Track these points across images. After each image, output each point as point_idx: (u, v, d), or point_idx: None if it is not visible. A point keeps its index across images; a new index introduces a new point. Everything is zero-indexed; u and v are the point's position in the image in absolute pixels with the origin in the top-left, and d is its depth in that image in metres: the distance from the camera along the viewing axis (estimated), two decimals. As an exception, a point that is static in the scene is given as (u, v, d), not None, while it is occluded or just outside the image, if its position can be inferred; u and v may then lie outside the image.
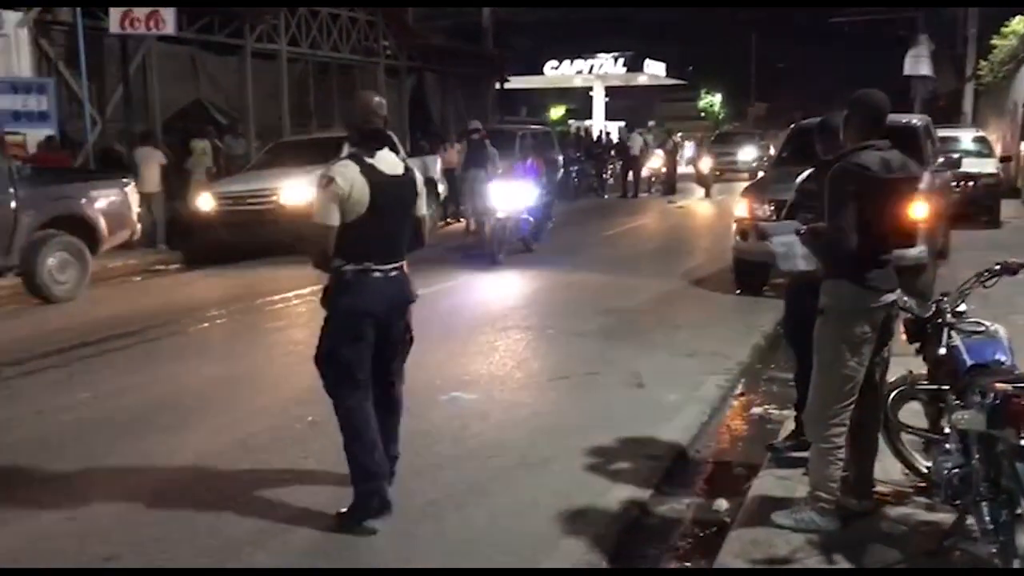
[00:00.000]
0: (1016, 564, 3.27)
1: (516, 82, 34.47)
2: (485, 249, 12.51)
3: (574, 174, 25.20)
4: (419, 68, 26.27)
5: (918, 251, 8.30)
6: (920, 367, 4.19)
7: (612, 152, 28.19)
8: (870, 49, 36.17)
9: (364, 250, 4.18)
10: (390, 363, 4.50)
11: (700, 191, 24.03)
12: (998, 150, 19.09)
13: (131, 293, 11.28)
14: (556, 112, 48.11)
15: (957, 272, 9.04)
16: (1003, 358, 3.72)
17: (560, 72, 39.47)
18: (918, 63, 25.93)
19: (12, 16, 14.96)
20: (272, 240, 13.17)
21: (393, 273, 4.28)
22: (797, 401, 4.94)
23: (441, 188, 17.07)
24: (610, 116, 43.48)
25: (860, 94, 4.01)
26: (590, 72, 39.52)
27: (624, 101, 48.32)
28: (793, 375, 5.16)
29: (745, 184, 13.24)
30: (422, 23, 26.19)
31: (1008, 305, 6.52)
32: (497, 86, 31.31)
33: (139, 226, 11.65)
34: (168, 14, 15.17)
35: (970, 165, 13.95)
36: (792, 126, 11.31)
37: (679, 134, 30.39)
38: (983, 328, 3.87)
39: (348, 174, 4.12)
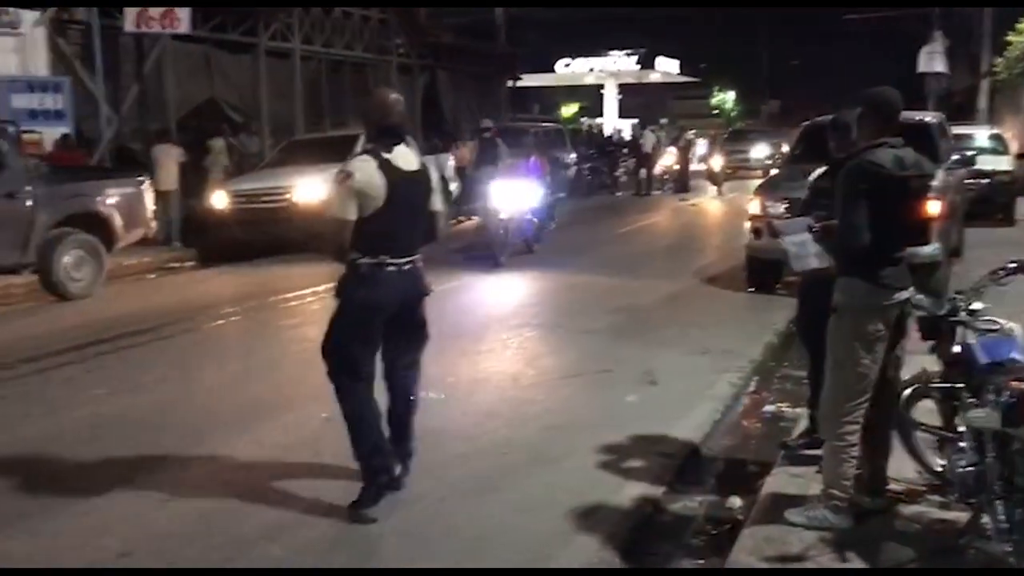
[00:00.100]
0: (1030, 562, 3.27)
1: (528, 80, 34.51)
2: (490, 250, 12.10)
3: (586, 172, 25.18)
4: (431, 66, 26.31)
5: (932, 249, 8.27)
6: (934, 365, 4.19)
7: (624, 150, 28.15)
8: (884, 46, 36.03)
9: (379, 244, 4.25)
10: (404, 356, 4.54)
11: (712, 189, 23.99)
12: (1014, 147, 18.96)
13: (146, 290, 11.35)
14: (568, 110, 48.11)
15: (971, 270, 9.00)
16: (1018, 356, 3.70)
17: (572, 70, 39.50)
18: (932, 60, 25.79)
19: (29, 15, 15.07)
20: (286, 238, 13.23)
21: (407, 267, 4.35)
22: (810, 399, 4.94)
23: (453, 186, 17.09)
24: (622, 114, 43.48)
25: (873, 92, 4.00)
26: (602, 69, 39.50)
27: (636, 98, 48.29)
28: (806, 373, 5.15)
29: (758, 182, 13.20)
30: (434, 21, 26.21)
31: (1023, 303, 6.48)
32: (509, 84, 31.34)
33: (154, 224, 11.72)
34: (183, 13, 15.26)
35: (985, 162, 13.84)
36: (805, 123, 11.26)
37: (692, 131, 30.28)
38: (998, 326, 3.86)
39: (366, 169, 4.20)
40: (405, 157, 4.37)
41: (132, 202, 11.13)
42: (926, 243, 7.65)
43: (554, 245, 13.74)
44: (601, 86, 43.25)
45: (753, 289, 10.07)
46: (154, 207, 11.74)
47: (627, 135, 32.87)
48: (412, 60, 25.25)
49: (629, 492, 4.64)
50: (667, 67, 40.44)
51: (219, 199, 14.05)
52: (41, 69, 15.32)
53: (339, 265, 4.35)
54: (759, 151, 29.88)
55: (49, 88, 14.55)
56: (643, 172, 25.09)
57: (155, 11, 15.12)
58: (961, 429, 3.86)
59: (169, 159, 14.35)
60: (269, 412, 5.96)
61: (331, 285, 4.54)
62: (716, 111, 58.86)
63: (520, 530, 4.22)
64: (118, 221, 10.81)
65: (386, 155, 4.27)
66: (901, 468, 4.37)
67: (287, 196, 13.46)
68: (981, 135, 17.23)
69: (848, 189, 3.81)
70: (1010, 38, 23.90)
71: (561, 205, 21.22)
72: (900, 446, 4.35)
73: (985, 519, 3.60)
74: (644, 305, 9.50)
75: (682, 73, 42.46)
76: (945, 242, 9.24)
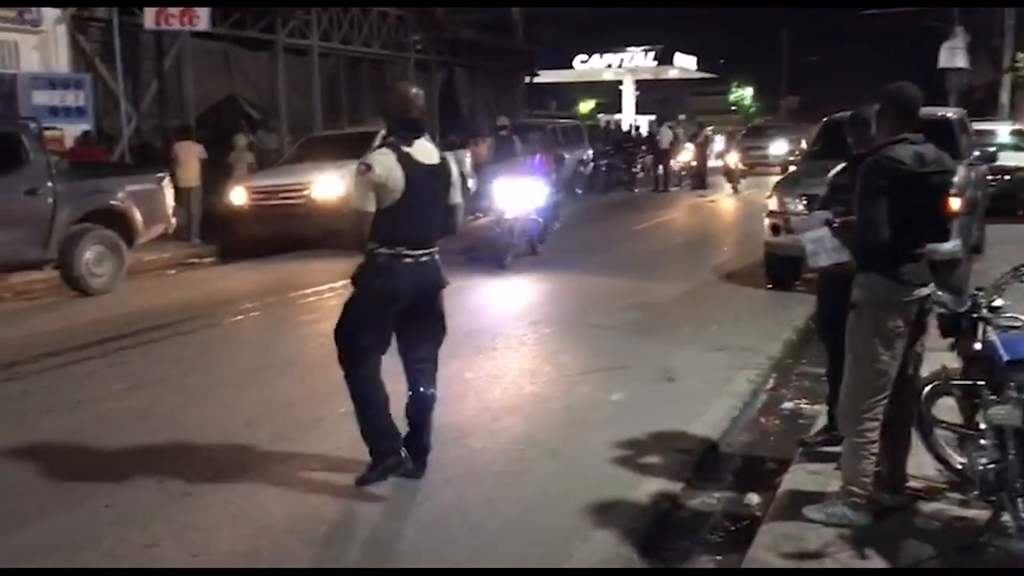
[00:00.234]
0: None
1: (546, 76, 34.47)
2: (494, 251, 11.57)
3: (603, 168, 25.15)
4: (449, 63, 26.33)
5: (952, 245, 8.22)
6: (954, 362, 4.17)
7: (643, 146, 28.09)
8: (905, 41, 35.78)
9: (397, 235, 4.35)
10: (421, 349, 4.59)
11: (729, 186, 23.82)
12: (1035, 143, 18.78)
13: (166, 286, 11.43)
14: (585, 106, 48.06)
15: (992, 267, 8.97)
16: (1040, 353, 3.69)
17: (590, 66, 39.37)
18: (954, 55, 25.59)
19: (50, 13, 15.19)
20: (304, 234, 13.30)
21: (424, 258, 4.45)
22: (829, 396, 4.93)
23: (471, 183, 17.11)
24: (640, 110, 43.37)
25: (892, 87, 3.98)
26: (620, 66, 39.39)
27: (654, 95, 48.18)
28: (825, 370, 5.15)
29: (776, 178, 13.17)
30: (452, 17, 26.23)
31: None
32: (527, 80, 31.33)
33: (174, 220, 11.79)
34: (202, 10, 15.35)
35: (1007, 158, 13.76)
36: (824, 119, 11.21)
37: (710, 127, 30.17)
38: (1019, 323, 3.85)
39: (385, 162, 4.30)
40: (425, 150, 4.46)
41: (152, 198, 11.20)
42: (946, 239, 7.60)
43: (570, 242, 13.73)
44: (619, 82, 43.13)
45: (771, 286, 10.05)
46: (173, 203, 11.80)
47: (645, 131, 32.76)
48: (429, 56, 25.27)
49: (647, 488, 4.65)
50: (685, 63, 40.24)
51: (238, 196, 14.13)
52: (62, 66, 15.43)
53: (359, 256, 4.45)
54: (778, 147, 29.72)
55: (70, 85, 14.65)
56: (660, 168, 25.03)
57: (175, 8, 15.22)
58: (982, 426, 3.85)
59: (191, 156, 14.45)
60: (288, 406, 6.00)
61: (347, 282, 4.62)
62: (734, 107, 58.61)
63: (538, 525, 4.23)
64: (138, 217, 10.87)
65: (406, 148, 4.37)
66: (921, 465, 4.36)
67: (305, 192, 13.52)
68: (1003, 131, 17.10)
69: (868, 185, 3.80)
70: (1032, 33, 23.68)
71: (578, 202, 21.30)
72: (920, 443, 4.34)
73: (1006, 517, 3.59)
74: (661, 302, 9.49)
75: (700, 69, 42.19)
76: (966, 239, 9.19)
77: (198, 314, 9.13)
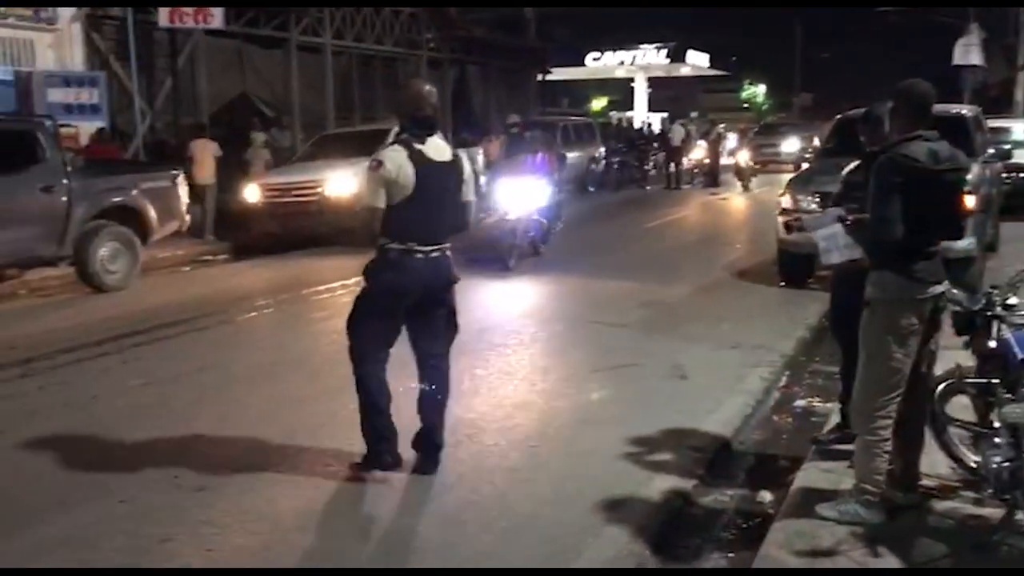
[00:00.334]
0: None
1: (558, 73, 34.46)
2: (496, 252, 11.15)
3: (615, 166, 25.12)
4: (461, 60, 26.35)
5: (966, 243, 8.18)
6: (968, 360, 4.16)
7: (654, 143, 28.04)
8: (919, 38, 35.59)
9: (408, 231, 4.42)
10: (433, 344, 4.64)
11: (739, 185, 23.63)
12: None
13: (180, 283, 11.48)
14: (598, 103, 48.01)
15: (1007, 265, 8.92)
16: (1055, 351, 3.67)
17: (602, 63, 39.32)
18: (968, 52, 25.43)
19: (66, 11, 15.29)
20: (317, 231, 13.34)
21: (435, 254, 4.51)
22: (842, 394, 4.93)
23: (483, 180, 17.12)
24: (652, 107, 43.29)
25: (905, 84, 3.97)
26: (632, 63, 39.33)
27: (666, 92, 48.08)
28: (838, 368, 5.14)
29: (789, 176, 13.13)
30: (464, 16, 26.25)
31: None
32: (539, 78, 31.31)
33: (188, 217, 11.84)
34: (216, 8, 15.42)
35: (1022, 156, 13.67)
36: (838, 117, 11.17)
37: (722, 125, 30.08)
38: (1034, 321, 3.83)
39: (396, 158, 4.37)
40: (437, 147, 4.51)
41: (166, 195, 11.25)
42: (960, 237, 7.59)
43: (581, 239, 13.72)
44: (631, 80, 43.06)
45: (784, 283, 10.03)
46: (188, 200, 11.85)
47: (657, 129, 32.70)
48: (442, 54, 25.30)
49: (659, 485, 4.65)
50: (697, 60, 40.14)
51: (251, 193, 14.19)
52: (77, 64, 15.53)
53: (372, 252, 4.53)
54: (790, 145, 29.61)
55: (85, 83, 14.74)
56: (672, 166, 24.98)
57: (189, 7, 15.30)
58: (996, 424, 3.84)
59: (205, 154, 14.54)
60: (301, 402, 6.03)
61: (360, 278, 4.67)
62: (747, 104, 58.42)
63: (550, 521, 4.24)
64: (153, 214, 10.93)
65: (418, 145, 4.43)
66: (934, 463, 4.36)
67: (318, 190, 13.55)
68: (1018, 128, 16.99)
69: (881, 182, 3.79)
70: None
71: (590, 199, 21.29)
72: (933, 441, 4.33)
73: (1020, 515, 3.59)
74: (673, 299, 9.48)
75: (712, 66, 42.08)
76: (980, 236, 9.14)
77: (212, 311, 9.17)
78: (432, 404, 4.72)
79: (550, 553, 3.95)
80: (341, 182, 13.20)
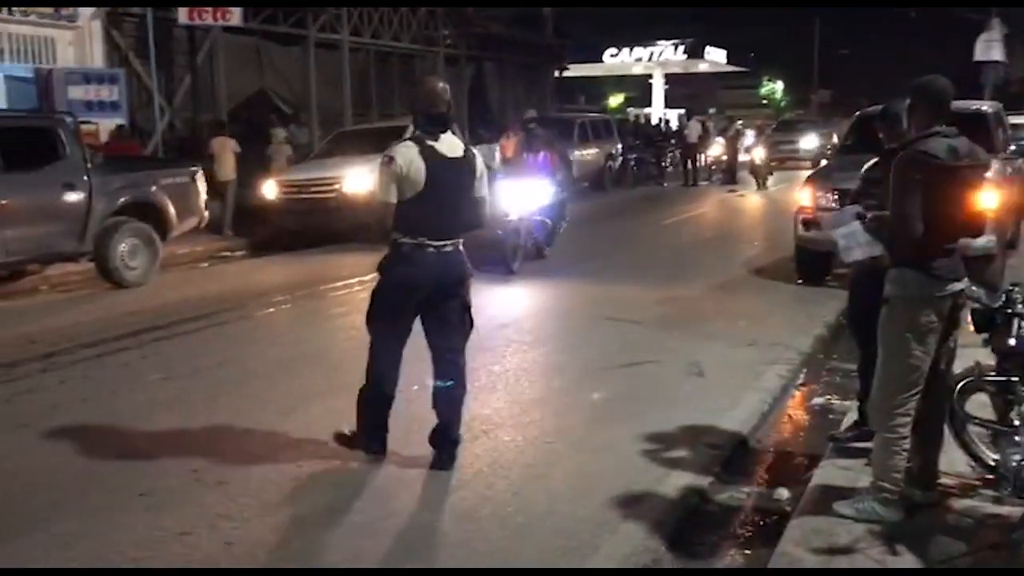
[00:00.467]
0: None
1: (575, 70, 34.37)
2: (499, 252, 10.60)
3: (633, 162, 25.07)
4: (478, 57, 26.35)
5: (986, 240, 8.09)
6: (988, 358, 4.14)
7: (671, 140, 27.96)
8: (940, 34, 35.31)
9: (419, 226, 4.49)
10: (447, 339, 4.69)
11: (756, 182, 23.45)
12: (1073, 138, 18.46)
13: (199, 279, 11.55)
14: (615, 100, 47.87)
15: (1028, 263, 8.85)
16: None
17: (619, 60, 39.20)
18: (990, 48, 25.21)
19: (86, 8, 15.39)
20: (334, 228, 13.39)
21: (447, 249, 4.56)
22: (860, 391, 4.91)
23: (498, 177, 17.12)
24: (670, 104, 43.08)
25: (922, 81, 3.96)
26: (650, 59, 39.18)
27: (684, 89, 47.85)
28: (856, 365, 5.12)
29: (807, 173, 13.07)
30: (481, 12, 26.25)
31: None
32: (556, 74, 31.27)
33: (206, 213, 11.90)
34: (235, 7, 15.53)
35: (1043, 152, 13.54)
36: (857, 113, 11.11)
37: (740, 122, 29.97)
38: (1054, 318, 3.81)
39: (407, 154, 4.44)
40: (450, 144, 4.57)
41: (185, 192, 11.31)
42: (980, 234, 7.54)
43: (598, 235, 13.71)
44: (649, 76, 42.92)
45: (802, 281, 9.99)
46: (207, 197, 11.92)
47: (675, 125, 32.59)
48: (459, 51, 25.31)
49: (676, 482, 4.65)
50: (715, 57, 39.95)
51: (269, 190, 14.26)
52: (97, 61, 15.64)
53: (382, 247, 4.63)
54: (809, 142, 29.48)
55: (105, 80, 14.86)
56: (689, 163, 24.91)
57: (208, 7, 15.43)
58: (1016, 422, 3.83)
59: (225, 150, 14.64)
60: (318, 397, 6.05)
61: (376, 273, 4.70)
62: (765, 101, 58.13)
63: (567, 517, 4.25)
64: (172, 210, 10.99)
65: (430, 141, 4.50)
66: (953, 461, 4.34)
67: (336, 187, 13.60)
68: (1039, 125, 16.82)
69: (900, 179, 3.78)
70: (1071, 25, 23.28)
71: (607, 196, 21.27)
72: (952, 439, 4.31)
73: (1039, 514, 3.56)
74: (691, 296, 9.47)
75: (730, 63, 41.86)
76: (1000, 234, 9.07)
77: (230, 307, 9.23)
78: (448, 400, 4.74)
79: (566, 549, 3.95)
80: (359, 179, 13.23)
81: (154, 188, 10.93)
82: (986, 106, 11.01)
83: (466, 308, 4.75)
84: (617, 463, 4.90)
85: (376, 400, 4.75)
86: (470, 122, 22.85)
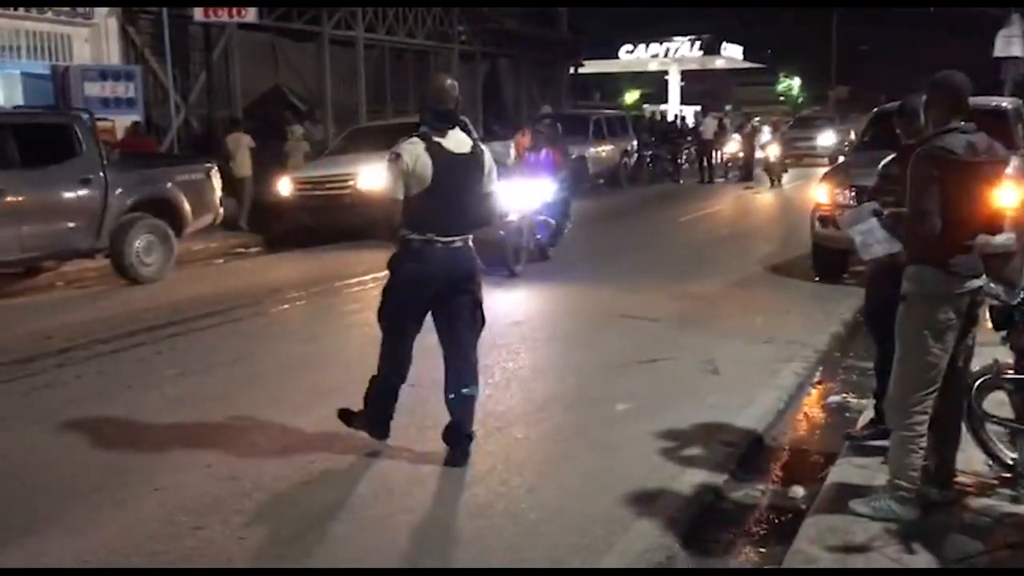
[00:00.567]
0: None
1: (590, 66, 34.28)
2: (501, 254, 10.09)
3: (648, 159, 25.00)
4: (493, 54, 26.33)
5: (1004, 237, 7.96)
6: (1006, 356, 4.10)
7: (688, 137, 27.88)
8: (959, 29, 35.02)
9: (427, 222, 4.52)
10: (459, 333, 4.72)
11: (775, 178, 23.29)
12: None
13: (214, 275, 11.59)
14: (631, 97, 47.73)
15: (1047, 260, 8.75)
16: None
17: (635, 56, 39.07)
18: (1010, 44, 24.96)
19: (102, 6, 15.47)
20: (349, 224, 13.40)
21: (456, 245, 4.58)
22: (876, 389, 4.87)
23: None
24: (686, 100, 42.95)
25: (939, 76, 3.92)
26: (666, 56, 39.04)
27: (700, 85, 47.66)
28: (873, 363, 5.08)
29: (824, 170, 12.99)
30: (496, 8, 26.23)
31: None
32: (571, 71, 31.21)
33: (222, 210, 11.94)
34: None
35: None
36: (875, 110, 11.04)
37: (757, 118, 29.83)
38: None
39: (413, 151, 4.48)
40: (457, 140, 4.59)
41: (201, 188, 11.35)
42: (999, 231, 7.47)
43: (614, 232, 13.66)
44: (664, 73, 42.78)
45: (819, 278, 9.94)
46: (222, 193, 11.96)
47: (691, 122, 32.49)
48: (474, 47, 25.29)
49: (690, 479, 4.63)
50: (732, 53, 39.75)
51: (284, 186, 14.29)
52: (113, 58, 15.71)
53: (391, 245, 4.67)
54: (826, 138, 29.33)
55: (121, 77, 14.91)
56: (704, 160, 24.82)
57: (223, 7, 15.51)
58: (1034, 421, 3.78)
59: (241, 146, 14.70)
60: (334, 394, 6.03)
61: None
62: (782, 98, 57.84)
63: (580, 514, 4.23)
64: (187, 207, 11.04)
65: (437, 138, 4.52)
66: (970, 460, 4.30)
67: (351, 183, 13.62)
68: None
69: (918, 175, 3.74)
70: (1092, 20, 23.04)
71: (623, 193, 21.21)
72: (969, 437, 4.27)
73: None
74: (707, 293, 9.43)
75: (747, 59, 41.66)
76: (1020, 231, 8.95)
77: (245, 303, 9.26)
78: (460, 395, 4.73)
79: (580, 546, 3.94)
80: (373, 175, 13.18)
81: (169, 184, 10.97)
82: (1006, 102, 10.91)
83: (477, 304, 4.75)
84: (631, 460, 4.88)
85: (385, 392, 4.82)
86: (485, 119, 22.84)
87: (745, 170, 24.89)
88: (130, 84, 14.81)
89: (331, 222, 13.63)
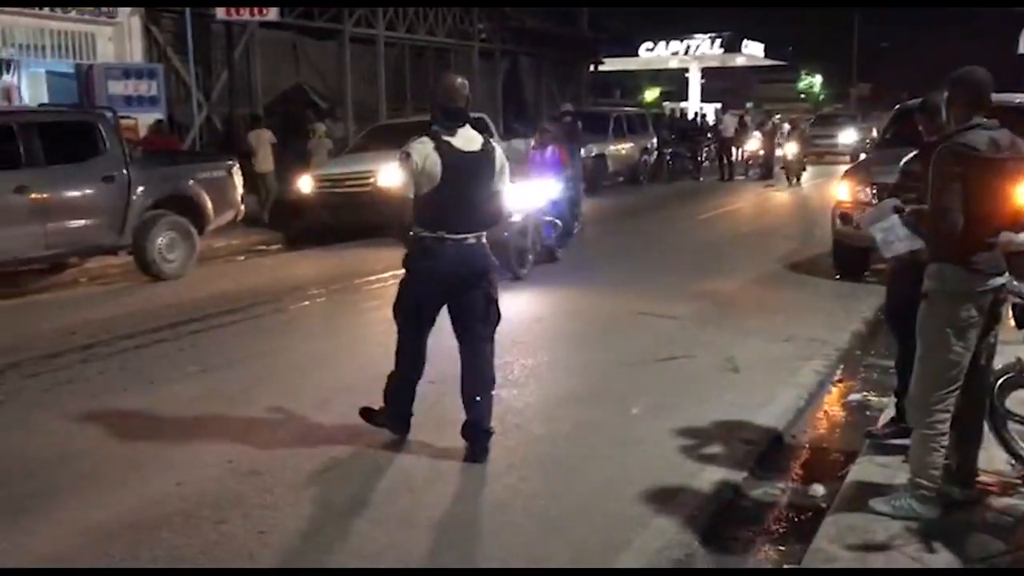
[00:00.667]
0: None
1: (611, 64, 34.28)
2: (504, 254, 9.23)
3: (668, 157, 24.95)
4: (513, 51, 26.34)
5: (1029, 235, 7.98)
6: (1029, 354, 4.07)
7: (708, 134, 27.78)
8: (982, 26, 34.69)
9: (437, 219, 4.58)
10: (474, 328, 4.75)
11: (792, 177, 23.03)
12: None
13: (235, 272, 11.67)
14: (651, 94, 47.61)
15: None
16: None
17: (656, 54, 38.98)
18: (1034, 41, 24.73)
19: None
20: (369, 222, 13.44)
21: (468, 242, 4.63)
22: (897, 388, 4.85)
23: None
24: (706, 98, 42.82)
25: (960, 72, 3.90)
26: (686, 53, 38.92)
27: (721, 83, 47.51)
28: (894, 362, 5.05)
29: (846, 168, 12.93)
30: (517, 6, 26.24)
31: None
32: (591, 68, 31.18)
33: (243, 207, 12.01)
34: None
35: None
36: (897, 107, 10.97)
37: (778, 116, 29.68)
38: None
39: (422, 150, 4.54)
40: (467, 138, 4.63)
41: (222, 185, 11.42)
42: (1022, 229, 7.41)
43: (634, 229, 13.64)
44: (685, 70, 42.66)
45: (840, 276, 9.88)
46: (243, 191, 12.02)
47: (711, 120, 32.38)
48: (494, 45, 25.31)
49: (709, 477, 4.62)
50: (752, 50, 39.56)
51: (305, 184, 14.36)
52: (136, 56, 15.85)
53: (402, 243, 4.77)
54: (847, 136, 29.14)
55: (144, 75, 15.06)
56: (724, 157, 24.73)
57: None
58: (1058, 420, 3.75)
59: (262, 143, 14.80)
60: (354, 390, 6.07)
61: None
62: (803, 95, 57.53)
63: (599, 511, 4.24)
64: (209, 204, 11.11)
65: (446, 137, 4.57)
66: (992, 459, 4.27)
67: (371, 181, 13.65)
68: (1085, 118, 16.47)
69: (940, 172, 3.72)
70: (1118, 16, 22.78)
71: (642, 191, 21.16)
72: (992, 436, 4.24)
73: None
74: (726, 291, 9.40)
75: (768, 56, 41.45)
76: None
77: (266, 299, 9.31)
78: (476, 391, 4.76)
79: (599, 543, 3.95)
80: (393, 173, 13.23)
81: (191, 182, 11.05)
82: (1030, 99, 10.80)
83: (491, 300, 4.77)
84: (651, 458, 4.88)
85: (403, 388, 4.90)
86: (505, 116, 22.85)
87: (765, 168, 24.76)
88: (153, 82, 14.94)
89: (351, 219, 13.67)
